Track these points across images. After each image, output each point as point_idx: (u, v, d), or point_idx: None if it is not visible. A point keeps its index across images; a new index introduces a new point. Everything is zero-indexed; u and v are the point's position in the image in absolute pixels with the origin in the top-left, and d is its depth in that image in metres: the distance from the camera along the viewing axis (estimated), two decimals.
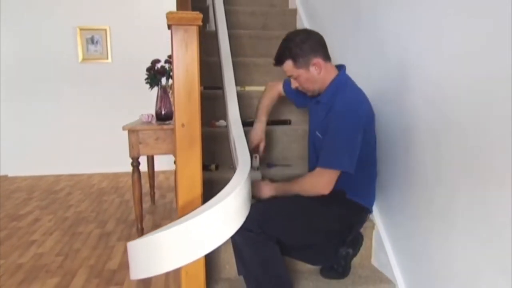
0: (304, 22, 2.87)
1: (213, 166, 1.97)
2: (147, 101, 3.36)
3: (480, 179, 1.15)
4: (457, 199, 1.25)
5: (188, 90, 1.28)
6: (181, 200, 1.33)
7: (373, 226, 1.78)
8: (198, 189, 1.34)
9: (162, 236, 1.08)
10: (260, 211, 1.40)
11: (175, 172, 1.42)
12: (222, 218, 1.14)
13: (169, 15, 1.22)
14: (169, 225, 1.10)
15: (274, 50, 1.58)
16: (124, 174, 4.60)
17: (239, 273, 1.48)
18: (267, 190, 1.57)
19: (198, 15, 1.23)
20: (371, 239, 1.78)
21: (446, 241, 1.32)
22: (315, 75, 1.52)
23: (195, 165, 1.32)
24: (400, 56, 1.57)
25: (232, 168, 1.74)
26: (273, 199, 1.54)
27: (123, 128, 2.57)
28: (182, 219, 1.12)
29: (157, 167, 3.70)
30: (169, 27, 1.25)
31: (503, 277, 1.08)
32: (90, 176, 4.70)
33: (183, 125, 1.29)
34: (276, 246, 1.42)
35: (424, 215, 1.44)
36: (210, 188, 1.48)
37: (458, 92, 1.22)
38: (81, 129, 4.81)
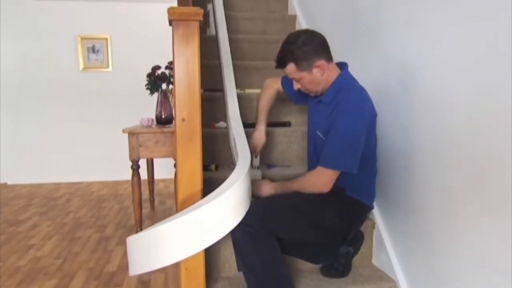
0: (303, 27, 2.89)
1: (213, 166, 1.97)
2: (147, 109, 3.38)
3: (479, 177, 1.15)
4: (457, 198, 1.25)
5: (188, 85, 1.29)
6: (181, 195, 1.32)
7: (373, 225, 1.77)
8: (198, 184, 1.34)
9: (162, 229, 1.07)
10: (261, 207, 1.40)
11: (175, 170, 1.42)
12: (222, 211, 1.14)
13: (170, 10, 1.23)
14: (169, 218, 1.10)
15: (273, 54, 1.57)
16: (124, 182, 4.60)
17: (239, 269, 1.46)
18: (267, 189, 1.56)
19: (199, 10, 1.24)
20: (371, 239, 1.77)
21: (446, 240, 1.31)
22: (318, 77, 1.50)
23: (195, 159, 1.32)
24: (400, 57, 1.58)
25: (232, 168, 1.74)
26: (274, 196, 1.54)
27: (123, 131, 2.58)
28: (182, 212, 1.12)
29: (157, 175, 3.70)
30: (170, 22, 1.26)
31: (504, 275, 1.07)
32: (90, 183, 4.69)
33: (183, 120, 1.29)
34: (276, 243, 1.41)
35: (424, 214, 1.43)
36: (210, 188, 1.47)
37: (458, 94, 1.23)
38: (81, 137, 4.82)
